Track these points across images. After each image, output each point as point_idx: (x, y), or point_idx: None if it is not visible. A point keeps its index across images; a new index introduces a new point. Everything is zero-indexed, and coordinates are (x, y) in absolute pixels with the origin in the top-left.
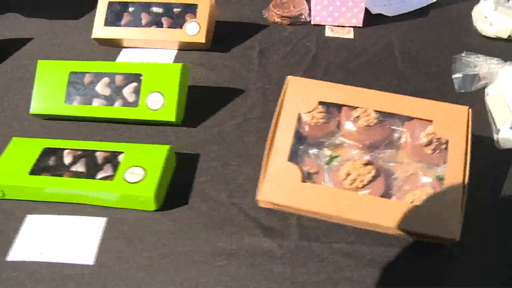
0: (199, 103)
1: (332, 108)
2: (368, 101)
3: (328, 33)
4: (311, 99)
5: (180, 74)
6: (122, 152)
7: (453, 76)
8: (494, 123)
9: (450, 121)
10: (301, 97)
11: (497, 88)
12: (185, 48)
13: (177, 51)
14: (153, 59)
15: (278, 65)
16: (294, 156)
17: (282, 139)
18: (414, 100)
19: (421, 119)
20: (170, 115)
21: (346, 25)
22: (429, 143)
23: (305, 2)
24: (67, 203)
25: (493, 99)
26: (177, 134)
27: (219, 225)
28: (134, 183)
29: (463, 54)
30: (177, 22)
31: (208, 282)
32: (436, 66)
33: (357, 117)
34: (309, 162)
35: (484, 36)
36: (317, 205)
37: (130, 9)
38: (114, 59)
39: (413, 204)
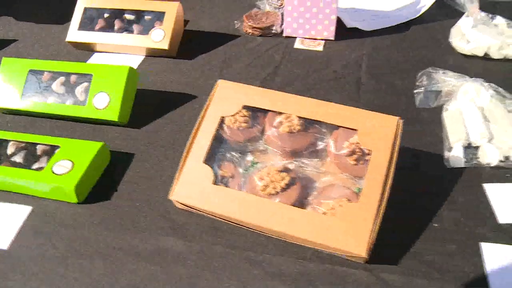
0: (149, 106)
1: (258, 113)
2: (294, 107)
3: (298, 45)
4: (236, 103)
5: (127, 77)
6: (59, 146)
7: (414, 91)
8: (448, 140)
9: (377, 131)
10: (227, 101)
11: (456, 105)
12: (152, 54)
13: (144, 56)
14: (120, 63)
15: (238, 74)
16: (212, 159)
17: (202, 141)
18: (341, 108)
19: (346, 127)
20: (114, 115)
21: (317, 37)
22: (352, 153)
23: (279, 14)
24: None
25: (449, 116)
26: (120, 133)
27: (135, 223)
28: (60, 175)
29: (429, 69)
30: (146, 29)
31: (118, 280)
32: (402, 81)
33: (280, 123)
34: (227, 165)
35: (461, 54)
36: (225, 209)
37: (105, 15)
38: (85, 62)
39: (324, 215)
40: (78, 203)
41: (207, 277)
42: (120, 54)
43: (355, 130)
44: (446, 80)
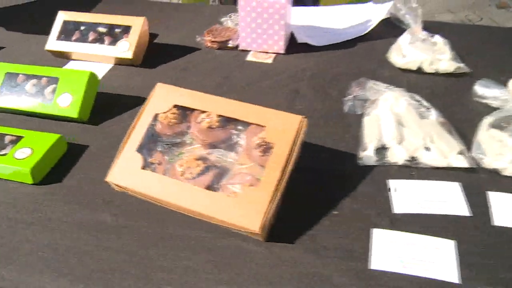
0: (108, 107)
1: (186, 112)
2: (215, 106)
3: (250, 57)
4: (169, 103)
5: (87, 80)
6: (23, 136)
7: (344, 99)
8: (363, 141)
9: (281, 128)
10: (162, 101)
11: (376, 111)
12: (120, 63)
13: (112, 65)
14: (90, 70)
15: (191, 82)
16: (145, 148)
17: (138, 133)
18: (255, 107)
19: (257, 124)
20: (75, 112)
21: (269, 51)
22: (259, 146)
23: (237, 30)
24: None
25: (368, 121)
26: (79, 128)
27: (79, 201)
28: (19, 159)
29: (361, 79)
30: (115, 40)
31: (60, 246)
32: (337, 91)
33: (202, 119)
34: (156, 154)
35: (398, 68)
36: (150, 190)
37: (82, 27)
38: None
39: (228, 197)
40: (34, 184)
41: (133, 246)
42: (92, 63)
43: (264, 126)
44: (373, 89)
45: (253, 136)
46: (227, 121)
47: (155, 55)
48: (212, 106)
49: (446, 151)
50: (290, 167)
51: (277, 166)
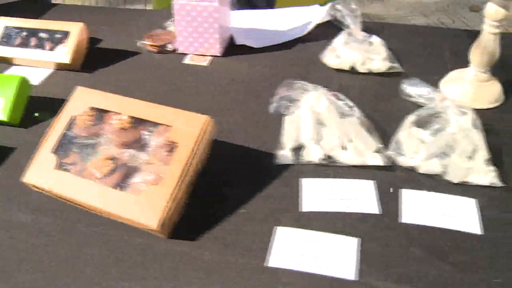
0: (42, 111)
1: (102, 113)
2: (127, 108)
3: (187, 61)
4: (86, 105)
5: (18, 84)
6: None
7: (270, 100)
8: (282, 141)
9: (186, 128)
10: (80, 103)
11: (298, 111)
12: (60, 68)
13: (52, 70)
14: (30, 75)
15: (127, 85)
16: (61, 149)
17: (55, 134)
18: (164, 108)
19: (165, 125)
20: (5, 116)
21: (206, 54)
22: (165, 146)
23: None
24: None
25: (289, 120)
26: (9, 131)
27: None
28: None
29: (289, 81)
30: (55, 46)
31: None
32: (267, 92)
33: (115, 120)
34: (72, 155)
35: (332, 68)
36: (61, 190)
37: (24, 33)
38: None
39: (132, 195)
40: None
41: (47, 242)
42: (33, 68)
43: (171, 126)
44: (300, 89)
45: (161, 136)
46: (138, 122)
47: (96, 60)
48: (125, 107)
49: (363, 149)
50: (193, 166)
51: (178, 164)
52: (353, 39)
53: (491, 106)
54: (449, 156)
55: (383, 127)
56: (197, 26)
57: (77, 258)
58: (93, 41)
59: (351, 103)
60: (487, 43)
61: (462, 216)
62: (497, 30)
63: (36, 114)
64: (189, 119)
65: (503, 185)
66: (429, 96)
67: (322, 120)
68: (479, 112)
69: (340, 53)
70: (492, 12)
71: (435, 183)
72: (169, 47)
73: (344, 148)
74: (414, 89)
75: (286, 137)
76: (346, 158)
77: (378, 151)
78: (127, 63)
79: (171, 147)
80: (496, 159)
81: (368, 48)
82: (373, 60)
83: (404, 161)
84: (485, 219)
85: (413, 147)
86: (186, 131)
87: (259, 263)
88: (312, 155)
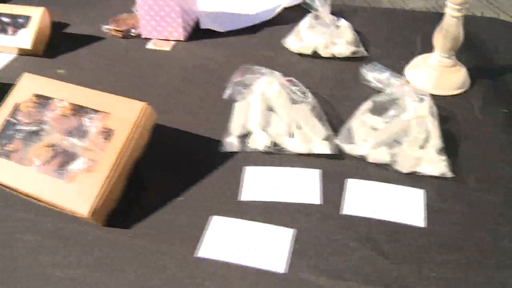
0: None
1: (46, 100)
2: (69, 95)
3: (150, 45)
4: (30, 92)
5: None
6: None
7: (227, 85)
8: (230, 128)
9: (123, 114)
10: (25, 90)
11: (250, 97)
12: (22, 53)
13: (15, 55)
14: None
15: (89, 70)
16: (4, 136)
17: None
18: (104, 95)
19: (104, 111)
20: None
21: (170, 39)
22: (102, 133)
23: None
24: None
25: (238, 106)
26: None
27: None
28: None
29: (247, 66)
30: (17, 30)
31: None
32: (226, 78)
33: (57, 107)
34: (15, 142)
35: (296, 53)
36: (2, 177)
37: None
38: None
39: (67, 182)
40: None
41: None
42: None
43: (109, 113)
44: (255, 75)
45: (100, 123)
46: (79, 109)
47: (60, 45)
48: (68, 94)
49: (311, 137)
50: (129, 153)
51: (113, 152)
52: (320, 22)
53: (454, 92)
54: (401, 145)
55: (340, 113)
56: (158, 10)
57: (10, 246)
58: (60, 26)
59: (304, 89)
60: (449, 28)
61: (407, 208)
62: (459, 14)
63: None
64: (126, 106)
65: (453, 176)
66: (388, 82)
67: (272, 106)
68: (442, 99)
69: (304, 37)
70: None
71: (384, 172)
72: (133, 31)
73: (291, 135)
74: (373, 74)
75: (234, 124)
76: (293, 145)
77: (327, 138)
78: (90, 49)
79: (108, 134)
80: (451, 148)
81: (333, 32)
82: (336, 44)
83: (351, 149)
84: (430, 211)
85: (363, 135)
86: (123, 118)
87: (189, 253)
88: (258, 142)
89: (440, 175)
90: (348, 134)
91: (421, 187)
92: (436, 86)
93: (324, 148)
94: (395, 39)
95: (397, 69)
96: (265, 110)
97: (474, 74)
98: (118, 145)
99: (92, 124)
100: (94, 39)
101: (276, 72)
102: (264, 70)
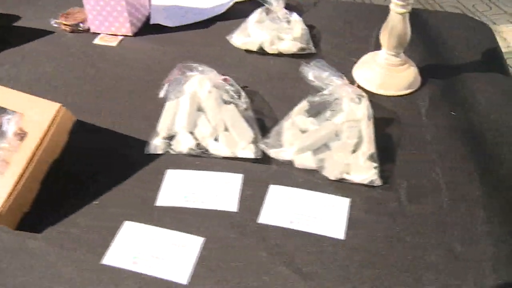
0: None
1: None
2: None
3: (97, 41)
4: None
5: None
6: None
7: (161, 84)
8: (156, 129)
9: (38, 116)
10: None
11: (179, 97)
12: None
13: None
14: None
15: (31, 65)
16: None
17: None
18: (20, 95)
19: (19, 112)
20: None
21: (118, 33)
22: (17, 134)
23: None
24: None
25: (168, 106)
26: None
27: None
28: None
29: (187, 63)
30: None
31: None
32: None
33: None
34: None
35: (244, 50)
36: None
37: None
38: None
39: None
40: None
41: None
42: None
43: (23, 114)
44: (191, 73)
45: (15, 124)
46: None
47: (7, 39)
48: None
49: (236, 140)
50: (41, 156)
51: (25, 153)
52: (271, 17)
53: (400, 93)
54: (330, 150)
55: (278, 114)
56: (104, 5)
57: None
58: (10, 19)
59: (239, 89)
60: (394, 24)
61: (329, 218)
62: (403, 10)
63: None
64: (41, 107)
65: (382, 184)
66: (329, 81)
67: (202, 107)
68: (387, 99)
69: (250, 33)
70: None
71: (311, 179)
72: (81, 26)
73: (216, 138)
74: (314, 73)
75: (161, 125)
76: (216, 149)
77: (253, 142)
78: (38, 43)
79: (22, 135)
80: (388, 153)
81: (282, 27)
82: (283, 41)
83: (277, 153)
84: (353, 222)
85: (290, 138)
86: (37, 119)
87: (96, 260)
88: (182, 144)
89: (369, 183)
90: (276, 137)
91: (347, 196)
92: (382, 85)
93: (248, 152)
94: (351, 34)
95: (347, 66)
96: (194, 111)
97: (426, 73)
98: (30, 147)
99: (10, 125)
100: (43, 33)
101: (213, 71)
102: (201, 67)
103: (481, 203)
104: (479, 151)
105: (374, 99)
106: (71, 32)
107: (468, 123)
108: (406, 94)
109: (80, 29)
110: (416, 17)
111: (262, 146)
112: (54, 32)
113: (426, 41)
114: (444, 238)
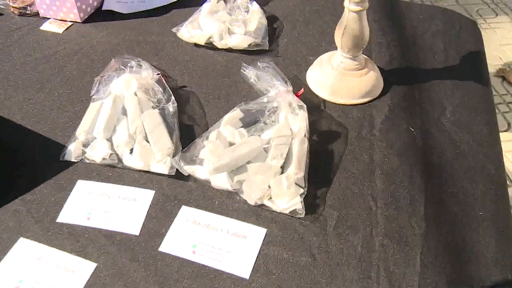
0: None
1: None
2: None
3: (45, 26)
4: None
5: None
6: None
7: (95, 79)
8: (75, 133)
9: None
10: None
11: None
12: None
13: None
14: None
15: None
16: None
17: None
18: None
19: None
20: None
21: (67, 19)
22: None
23: None
24: None
25: (91, 107)
26: None
27: None
28: None
29: (124, 57)
30: None
31: None
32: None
33: None
34: None
35: (196, 45)
36: None
37: None
38: None
39: None
40: None
41: None
42: None
43: None
44: (126, 68)
45: None
46: None
47: None
48: None
49: (152, 151)
50: None
51: None
52: (230, 6)
53: (354, 101)
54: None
55: (212, 120)
56: None
57: None
58: None
59: (170, 91)
60: (349, 23)
61: (237, 252)
62: (359, 7)
63: None
64: None
65: (307, 215)
66: (269, 86)
67: (126, 110)
68: (339, 108)
69: (201, 24)
70: None
71: (229, 203)
72: (29, 9)
73: (132, 147)
74: (256, 74)
75: (80, 128)
76: (129, 160)
77: (171, 154)
78: None
79: None
80: (321, 175)
81: (237, 19)
82: (234, 34)
83: (191, 170)
84: (263, 258)
85: (208, 154)
86: None
87: None
88: (97, 152)
89: (291, 213)
90: (195, 150)
91: (265, 226)
92: (334, 92)
93: (161, 167)
94: (317, 27)
95: (304, 66)
96: (115, 114)
97: (392, 77)
98: None
99: None
100: None
101: (149, 67)
102: (138, 62)
103: (419, 247)
104: (433, 180)
105: (324, 107)
106: (19, 15)
107: (426, 143)
108: (360, 103)
109: (28, 12)
110: (391, 9)
111: (176, 160)
112: (2, 14)
113: (399, 38)
114: (369, 285)
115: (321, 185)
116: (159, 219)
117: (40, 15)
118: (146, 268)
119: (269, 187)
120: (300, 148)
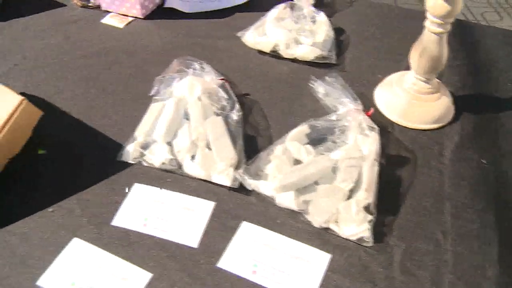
0: None
1: None
2: None
3: (106, 20)
4: None
5: None
6: None
7: (156, 79)
8: (134, 133)
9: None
10: None
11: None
12: None
13: None
14: None
15: (33, 39)
16: None
17: None
18: None
19: None
20: None
21: (128, 14)
22: None
23: None
24: None
25: (151, 109)
26: None
27: None
28: None
29: (186, 58)
30: None
31: None
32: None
33: None
34: None
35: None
36: None
37: None
38: None
39: None
40: None
41: None
42: None
43: None
44: (189, 70)
45: None
46: None
47: (17, 8)
48: None
49: (214, 160)
50: None
51: None
52: (295, 14)
53: (425, 127)
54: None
55: (276, 133)
56: None
57: None
58: None
59: (234, 98)
60: (428, 45)
61: (299, 275)
62: (441, 30)
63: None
64: (2, 99)
65: (374, 244)
66: (338, 102)
67: (188, 114)
68: (408, 132)
69: (267, 31)
70: (432, 4)
71: (291, 223)
72: (92, 2)
73: (194, 155)
74: (325, 89)
75: (140, 129)
76: (190, 168)
77: (234, 165)
78: (47, 16)
79: None
80: (389, 203)
81: (302, 28)
82: (301, 45)
83: (255, 185)
84: (326, 285)
85: (274, 170)
86: None
87: (30, 279)
88: (156, 156)
89: (357, 241)
90: (259, 164)
91: (329, 251)
92: (404, 115)
93: (223, 179)
94: (385, 44)
95: (372, 84)
96: (178, 118)
97: (463, 104)
98: None
99: None
100: (54, 4)
101: (212, 71)
102: (201, 65)
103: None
104: (507, 220)
105: (392, 129)
106: (81, 6)
107: (499, 178)
108: (431, 129)
109: (90, 4)
110: (464, 31)
111: (241, 174)
112: (65, 5)
113: (471, 63)
114: None
115: (388, 213)
116: (218, 232)
117: (102, 8)
118: (203, 284)
119: (336, 210)
120: (370, 172)
